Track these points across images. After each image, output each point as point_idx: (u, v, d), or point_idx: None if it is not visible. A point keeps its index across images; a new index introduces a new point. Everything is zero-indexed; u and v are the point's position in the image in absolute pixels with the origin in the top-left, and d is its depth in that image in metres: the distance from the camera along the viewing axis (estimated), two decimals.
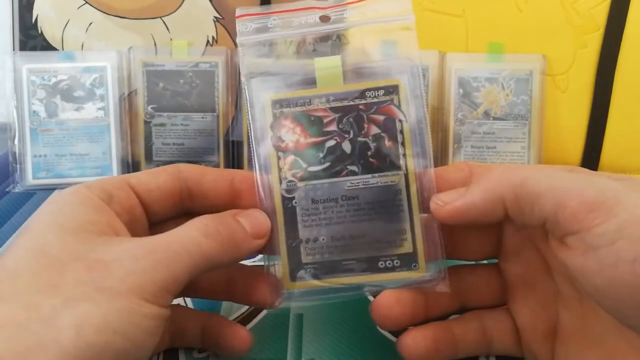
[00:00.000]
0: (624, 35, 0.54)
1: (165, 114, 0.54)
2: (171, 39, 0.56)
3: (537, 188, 0.25)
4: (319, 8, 0.30)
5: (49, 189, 0.52)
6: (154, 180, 0.29)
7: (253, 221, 0.28)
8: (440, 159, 0.56)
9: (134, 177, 0.29)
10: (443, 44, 0.56)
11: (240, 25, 0.30)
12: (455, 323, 0.30)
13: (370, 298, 0.33)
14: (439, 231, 0.29)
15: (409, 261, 0.29)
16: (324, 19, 0.30)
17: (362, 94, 0.30)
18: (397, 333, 0.33)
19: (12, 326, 0.21)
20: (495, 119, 0.54)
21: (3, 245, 0.43)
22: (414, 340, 0.28)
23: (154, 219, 0.30)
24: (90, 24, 0.55)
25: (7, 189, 0.52)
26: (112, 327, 0.22)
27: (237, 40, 0.30)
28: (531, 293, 0.29)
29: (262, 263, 0.30)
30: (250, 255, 0.29)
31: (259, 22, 0.30)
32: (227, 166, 0.55)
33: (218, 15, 0.56)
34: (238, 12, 0.30)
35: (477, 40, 0.56)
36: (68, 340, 0.21)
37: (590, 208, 0.23)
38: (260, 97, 0.30)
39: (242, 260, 0.28)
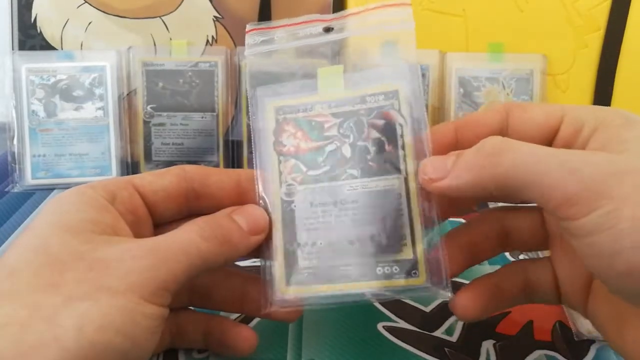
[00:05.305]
0: (624, 35, 0.54)
1: (165, 113, 0.54)
2: (171, 39, 0.56)
3: (520, 181, 0.24)
4: (322, 20, 0.31)
5: (48, 189, 0.52)
6: (159, 181, 0.29)
7: (249, 218, 0.28)
8: None
9: (138, 178, 0.29)
10: (443, 44, 0.56)
11: (249, 39, 0.31)
12: (502, 278, 0.29)
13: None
14: (442, 236, 0.28)
15: (409, 268, 0.28)
16: (327, 29, 0.31)
17: (362, 99, 0.30)
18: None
19: (14, 325, 0.21)
20: None
21: (3, 245, 0.43)
22: (467, 301, 0.28)
23: (159, 220, 0.30)
24: (90, 23, 0.55)
25: (7, 189, 0.52)
26: (113, 325, 0.22)
27: (245, 52, 0.31)
28: (570, 246, 0.27)
29: (259, 264, 0.30)
30: (245, 257, 0.29)
31: (266, 35, 0.31)
32: (226, 166, 0.55)
33: (218, 15, 0.56)
34: (248, 27, 0.32)
35: (477, 40, 0.56)
36: (70, 338, 0.21)
37: (571, 202, 0.22)
38: (265, 103, 0.30)
39: (240, 257, 0.28)
